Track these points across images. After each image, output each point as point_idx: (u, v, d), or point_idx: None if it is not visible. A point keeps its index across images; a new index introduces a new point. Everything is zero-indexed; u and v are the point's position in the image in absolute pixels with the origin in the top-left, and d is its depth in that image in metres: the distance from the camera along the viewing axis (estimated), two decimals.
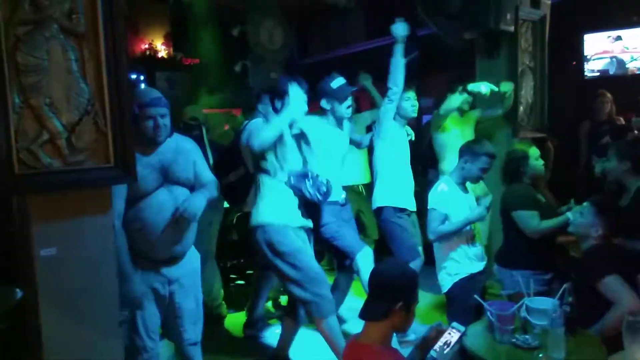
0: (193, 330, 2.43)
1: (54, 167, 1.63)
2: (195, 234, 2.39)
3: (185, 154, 2.34)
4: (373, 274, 1.85)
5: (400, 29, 3.14)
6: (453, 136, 3.67)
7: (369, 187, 3.75)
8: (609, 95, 4.57)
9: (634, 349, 1.78)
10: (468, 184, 2.83)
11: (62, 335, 1.68)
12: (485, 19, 3.28)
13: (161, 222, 2.20)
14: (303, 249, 2.66)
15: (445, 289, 2.78)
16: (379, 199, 3.30)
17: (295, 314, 2.84)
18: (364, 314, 1.77)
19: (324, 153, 2.96)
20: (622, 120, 4.50)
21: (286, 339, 2.93)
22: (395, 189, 3.27)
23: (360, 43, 6.65)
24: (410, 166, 3.39)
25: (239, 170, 3.02)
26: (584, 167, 4.54)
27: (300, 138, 2.92)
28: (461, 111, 3.80)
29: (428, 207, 2.73)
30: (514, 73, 3.58)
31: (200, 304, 2.47)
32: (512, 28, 3.47)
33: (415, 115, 3.42)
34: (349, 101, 2.98)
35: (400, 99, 3.22)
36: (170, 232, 2.23)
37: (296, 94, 2.59)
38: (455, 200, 2.72)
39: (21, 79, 1.57)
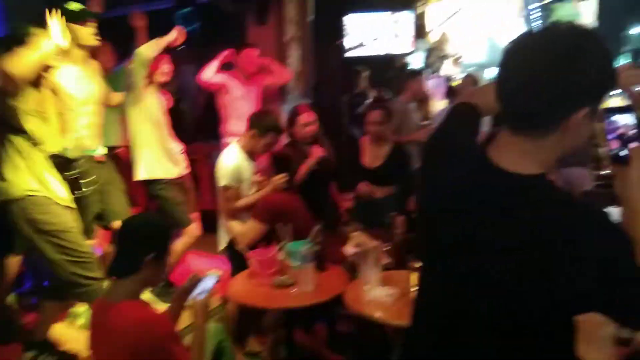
0: None
1: None
2: None
3: None
4: (122, 227, 1.74)
5: None
6: (236, 98, 3.73)
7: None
8: (365, 72, 5.19)
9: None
10: None
11: None
12: None
13: None
14: (71, 226, 2.36)
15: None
16: (140, 171, 3.10)
17: (60, 296, 2.53)
18: (114, 271, 1.64)
19: (71, 98, 2.60)
20: (375, 93, 5.17)
21: (47, 324, 2.59)
22: (155, 158, 3.10)
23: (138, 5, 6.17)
24: (169, 131, 3.23)
25: None
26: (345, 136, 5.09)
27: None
28: None
29: (221, 184, 2.66)
30: (281, 41, 3.77)
31: None
32: None
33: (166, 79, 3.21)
34: (93, 27, 2.64)
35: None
36: None
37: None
38: (245, 173, 2.75)
39: None
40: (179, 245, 3.06)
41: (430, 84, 5.22)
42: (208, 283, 1.80)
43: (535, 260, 0.85)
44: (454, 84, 5.60)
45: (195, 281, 1.84)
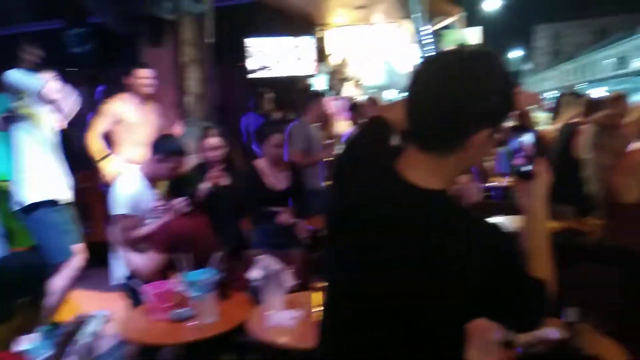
0: None
1: None
2: None
3: None
4: None
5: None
6: (132, 123, 3.50)
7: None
8: (268, 93, 5.21)
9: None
10: None
11: None
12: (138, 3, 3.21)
13: None
14: None
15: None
16: (32, 194, 2.82)
17: None
18: None
19: None
20: (279, 115, 5.20)
21: None
22: (47, 179, 2.85)
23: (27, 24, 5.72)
24: (60, 153, 3.00)
25: None
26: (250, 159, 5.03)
27: None
28: None
29: (118, 212, 2.50)
30: (178, 63, 3.66)
31: None
32: (171, 17, 3.52)
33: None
34: None
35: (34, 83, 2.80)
36: None
37: None
38: (144, 201, 2.58)
39: None
40: (61, 279, 2.80)
41: (334, 105, 5.36)
42: (94, 325, 1.65)
43: (448, 269, 0.89)
44: (357, 104, 5.81)
45: (80, 323, 1.68)
